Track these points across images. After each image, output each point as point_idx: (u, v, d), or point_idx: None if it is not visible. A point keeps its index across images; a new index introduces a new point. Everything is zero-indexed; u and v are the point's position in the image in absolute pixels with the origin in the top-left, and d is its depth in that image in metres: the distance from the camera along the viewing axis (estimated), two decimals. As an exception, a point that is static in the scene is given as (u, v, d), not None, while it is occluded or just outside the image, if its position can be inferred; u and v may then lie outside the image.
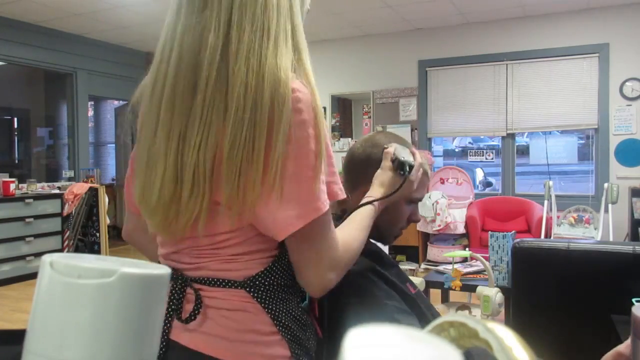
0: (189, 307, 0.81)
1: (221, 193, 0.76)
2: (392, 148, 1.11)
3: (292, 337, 0.82)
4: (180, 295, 0.82)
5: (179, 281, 0.83)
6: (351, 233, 0.90)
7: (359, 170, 1.18)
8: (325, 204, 0.78)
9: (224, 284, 0.81)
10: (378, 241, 1.26)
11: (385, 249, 1.43)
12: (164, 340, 0.80)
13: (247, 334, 0.80)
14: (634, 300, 1.39)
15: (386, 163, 1.10)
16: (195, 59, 0.77)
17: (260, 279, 0.81)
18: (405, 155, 1.09)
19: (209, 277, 0.81)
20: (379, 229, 1.20)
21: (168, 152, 0.78)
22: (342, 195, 0.84)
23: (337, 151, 6.37)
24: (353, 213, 0.98)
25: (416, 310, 1.09)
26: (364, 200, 1.02)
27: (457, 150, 8.51)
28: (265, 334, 0.80)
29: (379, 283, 1.08)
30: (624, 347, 0.93)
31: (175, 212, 0.78)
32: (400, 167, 1.08)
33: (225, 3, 0.78)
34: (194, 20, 0.79)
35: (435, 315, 1.14)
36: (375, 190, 1.06)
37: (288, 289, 0.84)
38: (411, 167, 1.09)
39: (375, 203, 1.02)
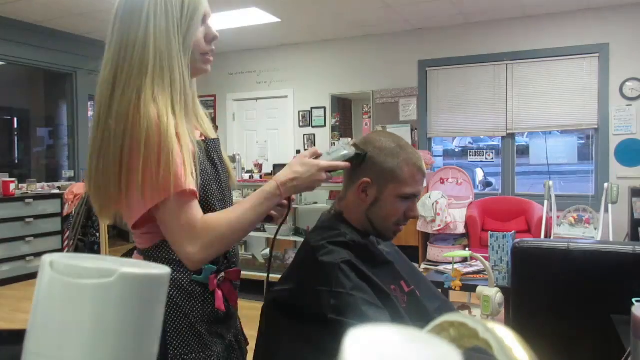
0: None
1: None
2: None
3: (172, 303, 1.03)
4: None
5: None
6: (235, 211, 1.03)
7: (353, 167, 1.20)
8: (164, 193, 0.94)
9: (138, 251, 1.10)
10: (378, 237, 1.27)
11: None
12: None
13: None
14: (634, 300, 1.39)
15: (307, 151, 1.11)
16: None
17: (151, 251, 1.07)
18: (342, 146, 1.12)
19: (135, 246, 1.12)
20: (373, 224, 1.22)
21: None
22: (179, 187, 0.96)
23: (337, 151, 6.36)
24: (253, 193, 1.07)
25: (391, 308, 1.09)
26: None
27: (457, 150, 8.51)
28: None
29: (350, 275, 1.09)
30: None
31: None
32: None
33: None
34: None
35: (425, 317, 1.15)
36: (282, 173, 1.08)
37: (175, 263, 1.03)
38: (344, 156, 1.12)
39: (278, 184, 1.05)
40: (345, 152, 1.10)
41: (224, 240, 1.00)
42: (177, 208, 0.96)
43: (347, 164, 1.13)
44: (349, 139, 1.11)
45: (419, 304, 1.19)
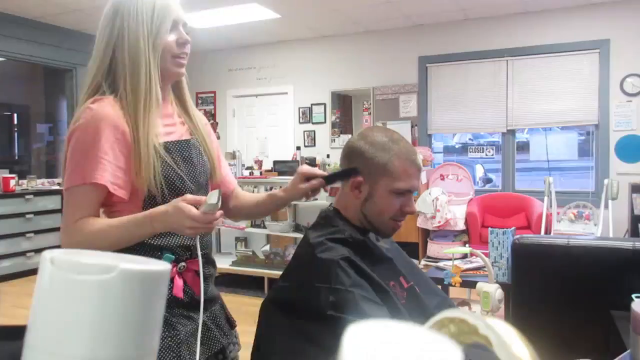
0: None
1: None
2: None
3: None
4: None
5: None
6: (104, 223, 1.10)
7: (346, 165, 1.22)
8: (67, 184, 1.09)
9: None
10: (376, 233, 1.26)
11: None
12: None
13: None
14: (633, 296, 1.39)
15: (191, 197, 1.07)
16: None
17: None
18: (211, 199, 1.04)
19: None
20: (369, 220, 1.21)
21: None
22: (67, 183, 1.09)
23: (336, 147, 6.37)
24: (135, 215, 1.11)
25: (390, 305, 1.09)
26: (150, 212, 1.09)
27: (457, 146, 8.50)
28: None
29: (349, 272, 1.09)
30: None
31: None
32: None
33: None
34: None
35: (426, 313, 1.15)
36: (160, 207, 1.08)
37: (135, 252, 1.06)
38: (211, 205, 1.03)
39: (149, 216, 1.07)
40: (211, 201, 1.03)
41: (83, 244, 1.07)
42: (69, 197, 1.10)
43: (214, 216, 1.04)
44: (218, 190, 1.08)
45: (418, 300, 1.19)
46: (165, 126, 1.20)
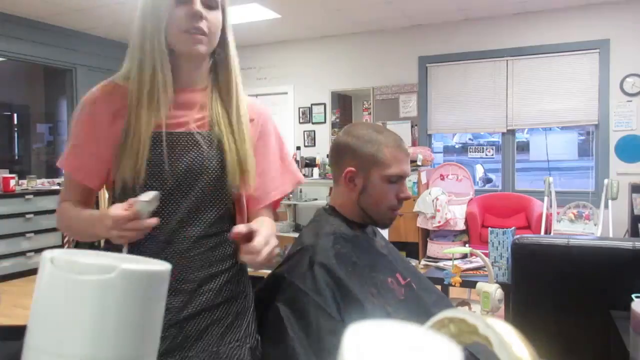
0: None
1: None
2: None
3: None
4: None
5: None
6: (71, 214, 1.08)
7: (336, 163, 1.25)
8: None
9: None
10: (376, 225, 1.28)
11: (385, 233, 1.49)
12: None
13: None
14: (633, 296, 1.39)
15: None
16: None
17: None
18: (143, 197, 0.92)
19: None
20: (367, 213, 1.22)
21: None
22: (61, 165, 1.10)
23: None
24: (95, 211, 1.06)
25: (364, 315, 1.10)
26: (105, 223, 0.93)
27: (457, 146, 8.49)
28: None
29: (320, 278, 1.11)
30: None
31: None
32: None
33: None
34: None
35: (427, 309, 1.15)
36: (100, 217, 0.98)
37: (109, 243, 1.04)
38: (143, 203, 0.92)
39: (103, 216, 0.94)
40: (143, 199, 0.91)
41: (61, 228, 1.13)
42: (64, 182, 1.15)
43: (127, 214, 0.89)
44: (156, 191, 1.02)
45: (417, 296, 1.19)
46: (176, 116, 1.07)
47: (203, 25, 1.05)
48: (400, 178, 1.22)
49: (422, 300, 1.19)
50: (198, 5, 1.04)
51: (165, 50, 1.04)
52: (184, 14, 1.03)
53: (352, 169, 1.21)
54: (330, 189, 4.93)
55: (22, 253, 5.06)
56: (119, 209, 0.89)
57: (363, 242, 1.22)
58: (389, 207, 1.23)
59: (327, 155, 1.38)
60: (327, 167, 5.28)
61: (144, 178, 1.03)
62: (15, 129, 7.94)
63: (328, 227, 1.20)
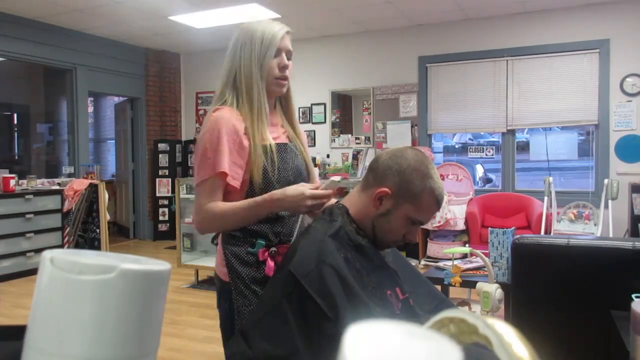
0: None
1: None
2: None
3: (231, 268, 1.39)
4: None
5: None
6: (230, 205, 1.37)
7: (375, 175, 1.24)
8: (197, 180, 1.39)
9: None
10: (372, 243, 1.27)
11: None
12: None
13: (218, 262, 1.48)
14: (633, 296, 1.39)
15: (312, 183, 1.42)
16: None
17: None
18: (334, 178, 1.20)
19: None
20: (374, 232, 1.24)
21: None
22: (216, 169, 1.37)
23: (336, 147, 6.37)
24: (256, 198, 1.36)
25: (362, 316, 1.09)
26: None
27: (457, 146, 8.50)
28: (221, 263, 1.44)
29: (328, 279, 1.10)
30: None
31: None
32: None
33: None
34: None
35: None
36: (279, 190, 1.34)
37: (236, 238, 1.41)
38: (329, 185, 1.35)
39: (268, 198, 1.32)
40: (334, 179, 1.18)
41: (213, 222, 1.38)
42: (198, 192, 1.39)
43: (329, 191, 1.33)
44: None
45: (412, 312, 1.19)
46: (272, 132, 1.46)
47: (287, 73, 1.45)
48: (420, 224, 1.26)
49: (416, 318, 1.19)
50: (286, 60, 1.44)
51: (264, 91, 1.43)
52: (276, 64, 1.42)
53: (389, 191, 1.21)
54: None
55: (22, 253, 5.07)
56: (310, 187, 1.32)
57: (369, 250, 1.22)
58: (394, 240, 1.26)
59: (371, 160, 1.40)
60: (327, 167, 5.27)
61: (263, 177, 1.39)
62: (15, 129, 7.95)
63: (339, 227, 1.20)
